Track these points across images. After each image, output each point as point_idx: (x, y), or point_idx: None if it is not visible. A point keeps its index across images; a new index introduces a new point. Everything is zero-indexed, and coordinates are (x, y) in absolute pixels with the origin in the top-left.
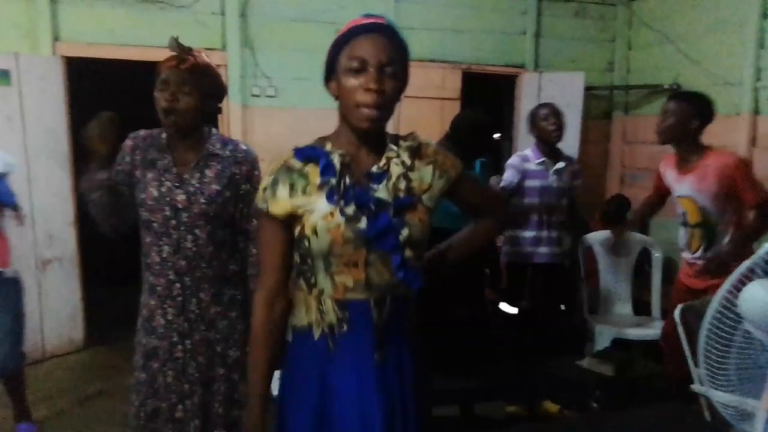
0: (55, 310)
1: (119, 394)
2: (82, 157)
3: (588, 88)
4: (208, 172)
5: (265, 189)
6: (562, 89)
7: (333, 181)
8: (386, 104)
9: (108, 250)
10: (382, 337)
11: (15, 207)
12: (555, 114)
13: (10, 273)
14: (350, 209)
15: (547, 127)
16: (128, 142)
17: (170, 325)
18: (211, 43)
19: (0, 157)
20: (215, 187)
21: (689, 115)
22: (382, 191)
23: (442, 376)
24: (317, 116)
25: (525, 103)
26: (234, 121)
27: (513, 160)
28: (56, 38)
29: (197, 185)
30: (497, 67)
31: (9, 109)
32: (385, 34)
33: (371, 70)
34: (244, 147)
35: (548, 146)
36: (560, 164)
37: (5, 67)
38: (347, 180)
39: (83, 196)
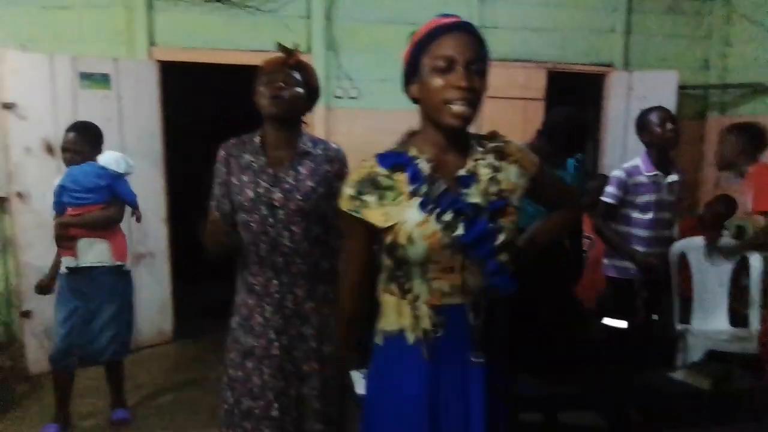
0: (146, 302)
1: (206, 385)
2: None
3: (681, 87)
4: (303, 170)
5: (352, 197)
6: (654, 89)
7: (424, 188)
8: (475, 101)
9: (194, 247)
10: (479, 340)
11: (135, 205)
12: (671, 118)
13: (125, 267)
14: (446, 216)
15: (664, 133)
16: (221, 153)
17: (267, 322)
18: (296, 45)
19: (122, 158)
20: (310, 184)
21: (740, 148)
22: (474, 195)
23: (527, 381)
24: (399, 117)
25: (613, 103)
26: (317, 122)
27: (619, 173)
28: (152, 43)
29: (293, 183)
30: (584, 65)
31: (108, 111)
32: (468, 31)
33: (459, 68)
34: (334, 146)
35: (662, 154)
36: (673, 177)
37: (105, 72)
38: (438, 186)
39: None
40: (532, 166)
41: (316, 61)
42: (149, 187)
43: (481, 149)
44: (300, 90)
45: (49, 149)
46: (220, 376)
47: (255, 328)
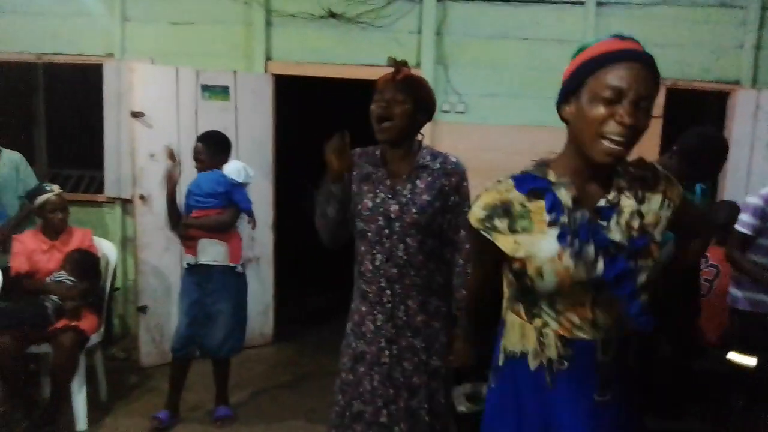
0: (250, 305)
1: (302, 389)
2: (318, 173)
3: None
4: (419, 183)
5: (482, 219)
6: None
7: (563, 219)
8: (634, 141)
9: (296, 254)
10: (606, 378)
11: (250, 213)
12: None
13: (239, 268)
14: (585, 251)
15: None
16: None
17: (379, 330)
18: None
19: (243, 169)
20: (426, 197)
21: None
22: (614, 231)
23: (650, 416)
24: (506, 132)
25: (738, 123)
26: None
27: (756, 200)
28: (268, 58)
29: (409, 196)
30: (706, 83)
31: (226, 121)
32: (645, 63)
33: (626, 103)
34: (453, 159)
35: None
36: None
37: (225, 84)
38: (577, 219)
39: (314, 208)
40: (677, 197)
41: (425, 75)
42: (259, 195)
43: (625, 178)
44: (408, 107)
45: (171, 156)
46: (317, 381)
47: (366, 334)
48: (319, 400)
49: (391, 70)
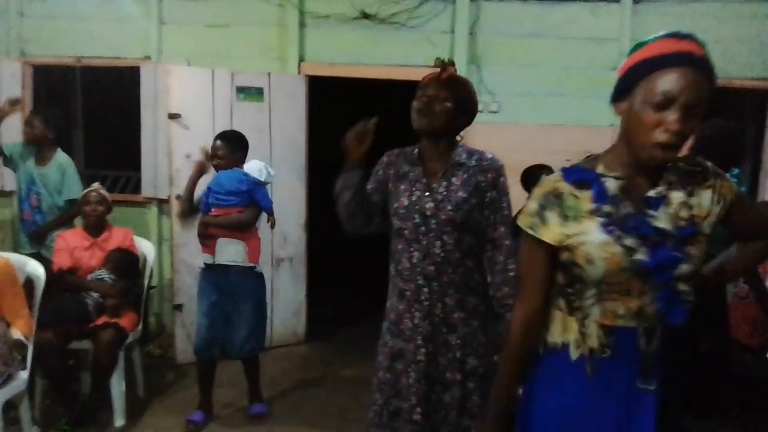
0: (283, 304)
1: (334, 387)
2: (338, 160)
3: None
4: (455, 180)
5: (532, 213)
6: None
7: (607, 208)
8: (682, 144)
9: (328, 254)
10: (649, 367)
11: (271, 212)
12: None
13: (258, 268)
14: (629, 240)
15: None
16: (384, 159)
17: (416, 328)
18: (440, 60)
19: (265, 168)
20: (461, 194)
21: None
22: (661, 219)
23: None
24: (540, 131)
25: None
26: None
27: None
28: (302, 59)
29: (444, 193)
30: (748, 80)
31: (261, 123)
32: (699, 68)
33: (677, 110)
34: (489, 155)
35: None
36: None
37: (259, 85)
38: (623, 208)
39: (335, 194)
40: (729, 192)
41: None
42: (291, 195)
43: (675, 173)
44: (449, 104)
45: (207, 156)
46: (350, 381)
47: (404, 332)
48: (352, 400)
49: (434, 70)
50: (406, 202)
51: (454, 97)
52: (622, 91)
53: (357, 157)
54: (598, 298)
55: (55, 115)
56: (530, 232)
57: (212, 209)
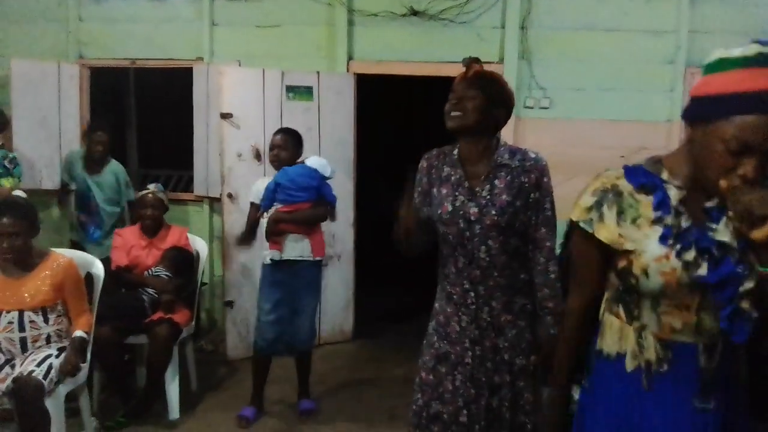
0: (331, 302)
1: (382, 386)
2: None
3: None
4: (498, 183)
5: (589, 208)
6: None
7: (668, 220)
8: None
9: (377, 250)
10: (709, 384)
11: (334, 207)
12: None
13: (324, 262)
14: (689, 254)
15: None
16: (424, 163)
17: (464, 332)
18: (489, 56)
19: (326, 164)
20: (505, 198)
21: None
22: (722, 232)
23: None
24: (593, 127)
25: None
26: (505, 133)
27: None
28: (350, 57)
29: (488, 197)
30: None
31: (310, 121)
32: None
33: (756, 158)
34: (532, 155)
35: None
36: None
37: (309, 84)
38: (684, 220)
39: (387, 206)
40: None
41: (508, 70)
42: (340, 192)
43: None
44: (478, 100)
45: (257, 155)
46: (397, 380)
47: (451, 335)
48: (400, 399)
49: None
50: (449, 208)
51: (485, 93)
52: (694, 115)
53: (407, 230)
54: (655, 310)
55: (110, 124)
56: (585, 227)
57: (281, 205)
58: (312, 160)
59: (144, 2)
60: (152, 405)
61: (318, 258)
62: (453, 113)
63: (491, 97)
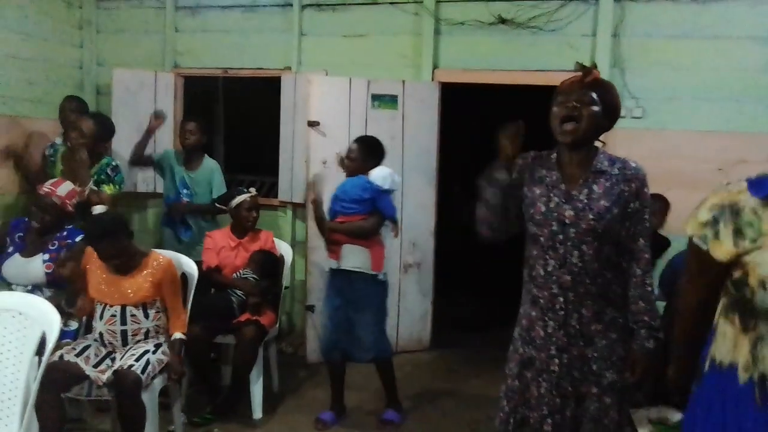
0: (409, 310)
1: (465, 397)
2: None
3: None
4: (596, 188)
5: (704, 224)
6: None
7: None
8: None
9: (458, 259)
10: None
11: (394, 220)
12: None
13: (382, 276)
14: None
15: None
16: (519, 161)
17: (549, 338)
18: (583, 64)
19: (390, 175)
20: (604, 203)
21: None
22: None
23: None
24: (689, 139)
25: None
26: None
27: None
28: (435, 66)
29: (585, 201)
30: None
31: (394, 130)
32: None
33: None
34: (633, 164)
35: None
36: None
37: (394, 93)
38: None
39: (477, 190)
40: None
41: None
42: (422, 202)
43: None
44: (596, 108)
45: (342, 162)
46: (478, 390)
47: (536, 340)
48: (481, 411)
49: (573, 74)
50: (543, 208)
51: (601, 101)
52: None
53: (507, 156)
54: None
55: (205, 123)
56: (700, 244)
57: (338, 216)
58: (375, 171)
59: (236, 14)
60: (237, 404)
61: (375, 272)
62: (566, 126)
63: (606, 106)
